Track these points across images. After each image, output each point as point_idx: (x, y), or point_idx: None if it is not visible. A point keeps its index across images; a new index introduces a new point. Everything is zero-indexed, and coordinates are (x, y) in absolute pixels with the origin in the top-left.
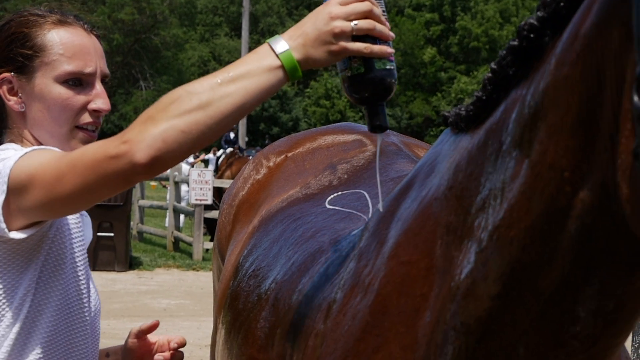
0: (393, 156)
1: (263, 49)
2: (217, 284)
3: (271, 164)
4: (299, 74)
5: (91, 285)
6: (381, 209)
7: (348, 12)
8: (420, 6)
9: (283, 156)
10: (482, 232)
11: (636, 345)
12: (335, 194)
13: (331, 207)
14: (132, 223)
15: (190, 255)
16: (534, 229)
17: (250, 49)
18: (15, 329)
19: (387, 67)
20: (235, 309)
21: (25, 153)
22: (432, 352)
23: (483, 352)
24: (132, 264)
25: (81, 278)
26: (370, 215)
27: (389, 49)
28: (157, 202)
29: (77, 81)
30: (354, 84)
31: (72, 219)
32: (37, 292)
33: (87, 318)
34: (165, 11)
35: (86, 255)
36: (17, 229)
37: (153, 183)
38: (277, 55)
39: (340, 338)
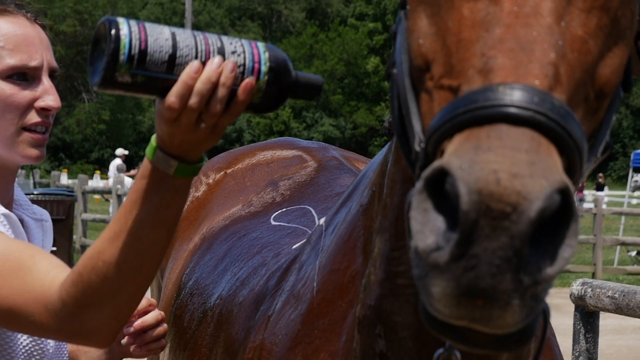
0: (336, 171)
1: (154, 175)
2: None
3: (210, 180)
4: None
5: None
6: (322, 223)
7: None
8: (363, 15)
9: (222, 173)
10: (376, 225)
11: (576, 354)
12: (280, 211)
13: (277, 223)
14: (75, 237)
15: None
16: (395, 220)
17: None
18: None
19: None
20: (180, 326)
21: None
22: (351, 355)
23: (380, 345)
24: None
25: None
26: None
27: (250, 82)
28: (100, 215)
29: (22, 76)
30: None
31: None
32: None
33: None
34: None
35: None
36: None
37: (96, 196)
38: (172, 174)
39: (273, 348)
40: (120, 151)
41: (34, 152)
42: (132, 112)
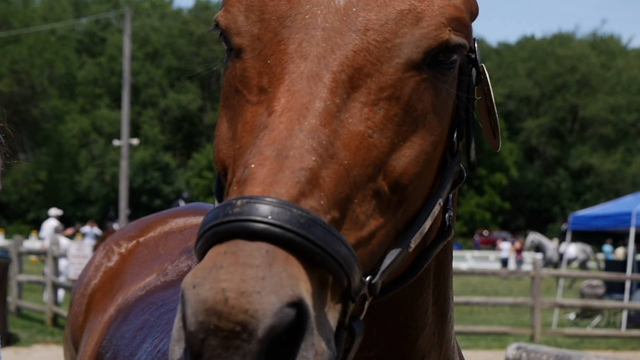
0: None
1: None
2: None
3: (123, 250)
4: None
5: None
6: None
7: None
8: None
9: (134, 242)
10: None
11: None
12: None
13: None
14: (9, 298)
15: None
16: None
17: (132, 120)
18: None
19: None
20: None
21: None
22: None
23: None
24: (9, 341)
25: None
26: None
27: None
28: (35, 276)
29: None
30: None
31: None
32: None
33: None
34: (44, 82)
35: None
36: None
37: (33, 258)
38: None
39: None
40: (54, 212)
41: None
42: (69, 172)
